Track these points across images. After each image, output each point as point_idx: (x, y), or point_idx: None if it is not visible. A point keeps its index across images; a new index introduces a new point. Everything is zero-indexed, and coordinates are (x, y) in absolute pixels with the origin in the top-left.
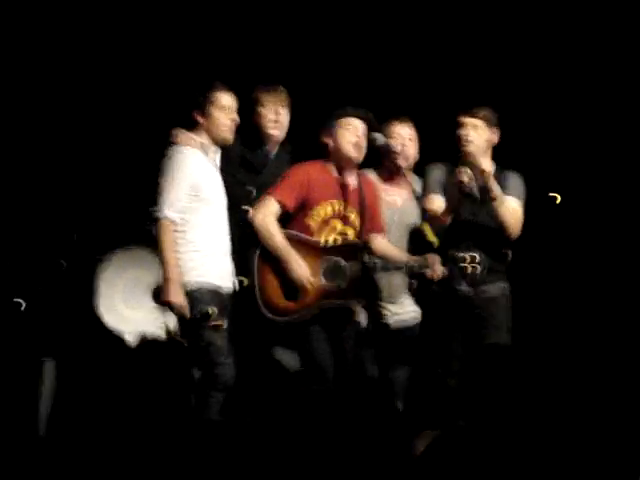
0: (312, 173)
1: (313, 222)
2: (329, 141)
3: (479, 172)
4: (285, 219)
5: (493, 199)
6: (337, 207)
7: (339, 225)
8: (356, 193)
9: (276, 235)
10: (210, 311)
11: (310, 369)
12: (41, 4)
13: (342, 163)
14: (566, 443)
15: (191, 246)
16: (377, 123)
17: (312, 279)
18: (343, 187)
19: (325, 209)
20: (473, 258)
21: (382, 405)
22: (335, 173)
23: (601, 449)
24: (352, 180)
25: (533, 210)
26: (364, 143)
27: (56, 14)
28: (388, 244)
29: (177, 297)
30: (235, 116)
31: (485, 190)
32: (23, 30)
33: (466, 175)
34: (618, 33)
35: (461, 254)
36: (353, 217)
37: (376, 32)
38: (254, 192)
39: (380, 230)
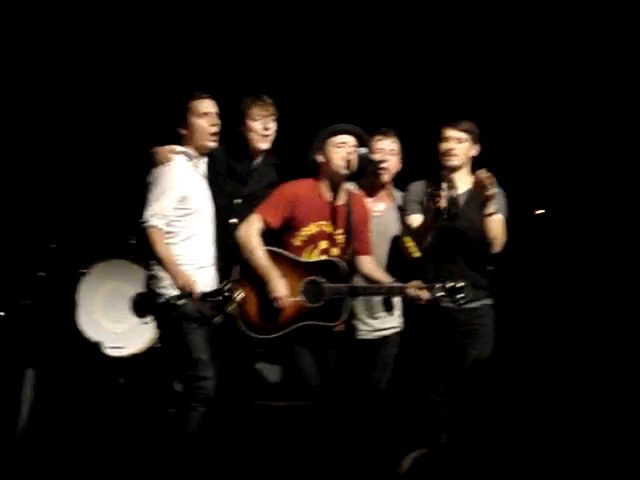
0: (300, 193)
1: (299, 241)
2: (321, 158)
3: (487, 191)
4: (272, 237)
5: (489, 215)
6: (324, 227)
7: (324, 244)
8: (344, 213)
9: (256, 250)
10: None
11: (295, 383)
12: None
13: (334, 179)
14: (553, 461)
15: (179, 259)
16: (366, 137)
17: (290, 298)
18: (332, 207)
19: (310, 229)
20: (455, 288)
21: (364, 422)
22: (325, 192)
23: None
24: (341, 200)
25: (514, 224)
26: (355, 159)
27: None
28: (375, 267)
29: (188, 282)
30: (216, 120)
31: (481, 206)
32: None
33: (441, 197)
34: (593, 59)
35: (443, 286)
36: (340, 237)
37: (358, 44)
38: (238, 202)
39: (368, 252)
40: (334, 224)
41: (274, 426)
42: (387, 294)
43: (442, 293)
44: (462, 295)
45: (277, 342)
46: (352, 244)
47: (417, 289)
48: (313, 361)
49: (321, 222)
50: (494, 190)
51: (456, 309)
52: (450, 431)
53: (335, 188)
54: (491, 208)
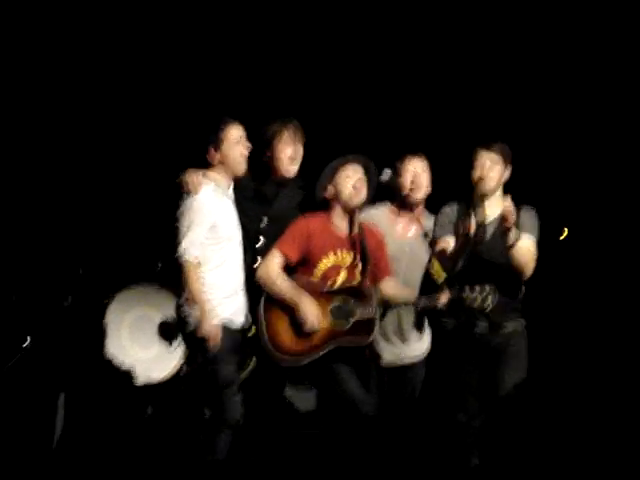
0: (313, 226)
1: (318, 274)
2: (331, 191)
3: (506, 222)
4: (291, 274)
5: (512, 245)
6: (340, 258)
7: (343, 275)
8: (358, 242)
9: (278, 279)
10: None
11: (345, 406)
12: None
13: (346, 210)
14: None
15: (208, 287)
16: (373, 165)
17: (321, 317)
18: (346, 239)
19: (328, 261)
20: (482, 290)
21: (388, 444)
22: (338, 224)
23: None
24: (354, 230)
25: (546, 244)
26: (364, 188)
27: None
28: (398, 286)
29: (212, 328)
30: (248, 145)
31: (503, 233)
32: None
33: (473, 221)
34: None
35: (470, 289)
36: (357, 266)
37: (386, 67)
38: (265, 222)
39: (388, 274)
40: (351, 254)
41: (302, 453)
42: (416, 304)
43: (470, 295)
44: (490, 300)
45: (320, 368)
46: (370, 271)
47: (444, 294)
48: (360, 385)
49: (338, 253)
50: (510, 224)
51: (490, 330)
52: (481, 453)
53: (348, 219)
54: (511, 239)
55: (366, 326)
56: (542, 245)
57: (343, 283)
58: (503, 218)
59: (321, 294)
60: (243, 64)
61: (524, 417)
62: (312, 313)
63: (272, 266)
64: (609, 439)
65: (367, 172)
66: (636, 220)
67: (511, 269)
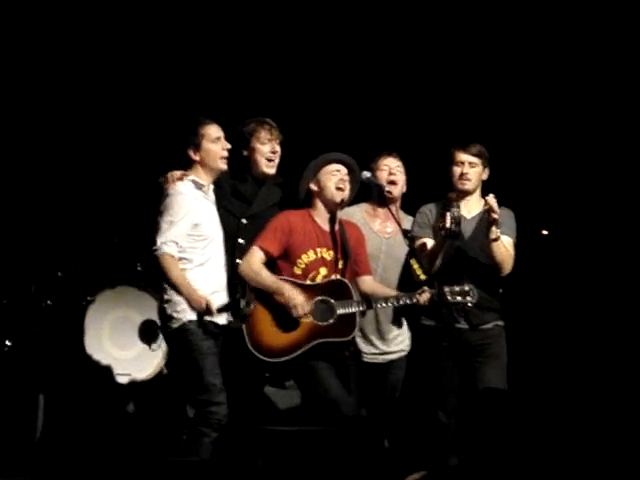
0: (294, 221)
1: (299, 270)
2: (314, 187)
3: (491, 214)
4: (273, 271)
5: (494, 240)
6: (321, 254)
7: (324, 271)
8: (339, 239)
9: (261, 271)
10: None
11: (323, 405)
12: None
13: (329, 207)
14: None
15: (193, 285)
16: (356, 166)
17: (306, 303)
18: (328, 234)
19: (309, 257)
20: (462, 288)
21: (369, 443)
22: (320, 220)
23: None
24: (335, 227)
25: (523, 245)
26: (348, 185)
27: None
28: (376, 284)
29: (203, 303)
30: (227, 145)
31: (485, 229)
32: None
33: (449, 219)
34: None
35: (450, 288)
36: (339, 263)
37: (362, 69)
38: (244, 221)
39: (367, 272)
40: (332, 250)
41: (283, 451)
42: (397, 300)
43: (450, 293)
44: (470, 297)
45: (299, 365)
46: (352, 268)
47: (425, 293)
48: (340, 384)
49: (318, 249)
50: (496, 215)
51: (469, 330)
52: (460, 453)
53: (330, 215)
54: (494, 233)
55: (348, 322)
56: (520, 247)
57: (324, 278)
58: (488, 210)
59: (303, 290)
60: (220, 65)
61: (503, 417)
62: (298, 299)
63: (254, 262)
64: (589, 438)
65: (350, 170)
66: (615, 222)
67: (490, 267)
